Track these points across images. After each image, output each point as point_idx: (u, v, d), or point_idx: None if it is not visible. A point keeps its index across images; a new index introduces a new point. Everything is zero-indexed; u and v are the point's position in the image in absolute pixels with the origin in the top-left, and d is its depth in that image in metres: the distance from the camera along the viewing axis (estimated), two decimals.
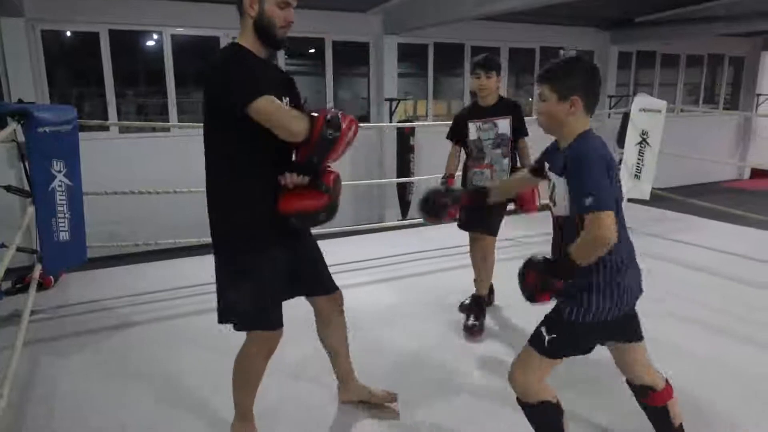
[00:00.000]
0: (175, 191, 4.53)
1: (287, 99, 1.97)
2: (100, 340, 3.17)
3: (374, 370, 2.69)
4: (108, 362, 2.91)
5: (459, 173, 3.48)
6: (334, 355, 2.39)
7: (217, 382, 2.65)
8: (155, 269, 4.40)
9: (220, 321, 2.02)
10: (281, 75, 2.06)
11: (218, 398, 2.52)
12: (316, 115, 1.82)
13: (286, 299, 2.09)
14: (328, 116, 1.81)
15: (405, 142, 6.98)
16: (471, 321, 3.20)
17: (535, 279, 1.71)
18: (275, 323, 2.03)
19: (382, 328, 3.31)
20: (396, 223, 6.21)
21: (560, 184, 1.78)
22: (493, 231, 3.23)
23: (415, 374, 2.78)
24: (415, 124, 6.85)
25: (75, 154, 3.16)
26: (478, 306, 3.28)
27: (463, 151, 3.37)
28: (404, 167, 7.01)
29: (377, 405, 2.46)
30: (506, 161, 3.22)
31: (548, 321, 1.81)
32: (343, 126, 1.81)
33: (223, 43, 6.30)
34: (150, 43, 6.25)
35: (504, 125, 3.18)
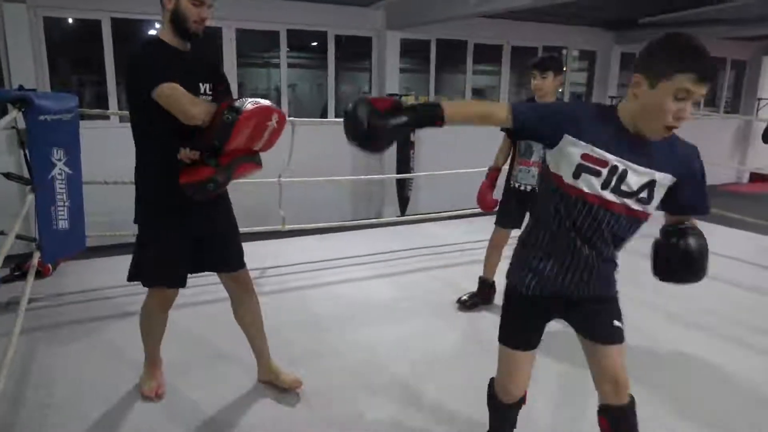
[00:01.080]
0: None
1: (207, 85, 2.22)
2: (98, 328, 3.17)
3: (364, 365, 2.70)
4: (105, 351, 2.91)
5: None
6: (248, 335, 2.55)
7: (212, 370, 2.68)
8: None
9: (129, 279, 2.37)
10: (200, 63, 2.27)
11: (214, 386, 2.54)
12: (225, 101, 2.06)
13: (190, 270, 2.37)
14: (234, 103, 2.00)
15: (405, 137, 6.96)
16: (464, 296, 3.59)
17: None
18: (172, 282, 2.33)
19: (379, 322, 3.32)
20: (394, 219, 6.21)
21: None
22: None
23: (412, 369, 2.79)
24: None
25: (75, 142, 3.16)
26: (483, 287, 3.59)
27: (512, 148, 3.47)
28: (404, 163, 7.00)
29: (282, 389, 2.57)
30: None
31: (616, 312, 1.71)
32: (245, 112, 1.96)
33: (226, 34, 6.28)
34: (152, 32, 6.22)
35: None
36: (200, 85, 2.20)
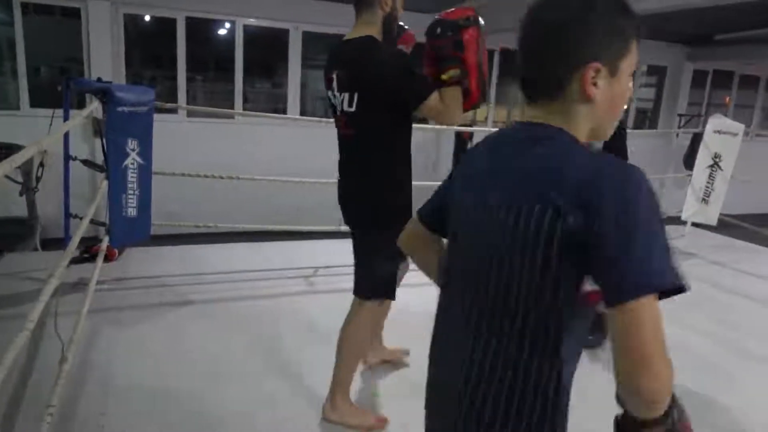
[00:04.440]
0: (239, 177, 4.60)
1: None
2: (157, 314, 3.28)
3: None
4: (162, 337, 3.01)
5: None
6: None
7: (262, 364, 2.72)
8: (213, 251, 4.51)
9: (369, 296, 2.20)
10: None
11: (262, 379, 2.58)
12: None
13: None
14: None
15: (462, 146, 6.93)
16: None
17: None
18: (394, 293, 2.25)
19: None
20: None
21: None
22: None
23: None
24: (473, 129, 6.78)
25: (148, 134, 3.27)
26: None
27: None
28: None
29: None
30: None
31: None
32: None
33: (293, 36, 6.41)
34: (222, 31, 6.43)
35: None
36: None
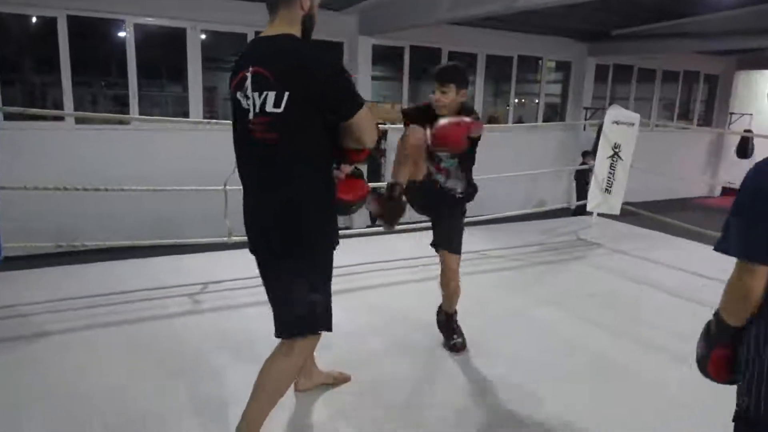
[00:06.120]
0: (99, 189, 4.01)
1: None
2: (6, 349, 2.80)
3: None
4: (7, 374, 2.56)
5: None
6: None
7: (131, 399, 2.42)
8: (75, 272, 3.92)
9: (303, 332, 1.89)
10: None
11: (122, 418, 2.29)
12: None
13: None
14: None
15: (376, 145, 6.81)
16: (454, 339, 2.91)
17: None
18: (330, 322, 1.97)
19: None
20: (364, 230, 6.03)
21: None
22: (455, 248, 2.84)
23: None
24: (386, 126, 6.68)
25: None
26: (451, 322, 2.97)
27: None
28: (375, 171, 6.85)
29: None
30: None
31: None
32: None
33: (191, 36, 6.07)
34: (112, 31, 5.97)
35: None
36: None
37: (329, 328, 1.93)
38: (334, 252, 1.94)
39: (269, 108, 1.72)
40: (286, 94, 1.70)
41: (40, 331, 2.99)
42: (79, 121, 5.76)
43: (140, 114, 5.95)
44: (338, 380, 2.52)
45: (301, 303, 1.84)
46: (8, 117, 5.32)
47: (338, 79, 1.75)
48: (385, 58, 7.62)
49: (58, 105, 5.71)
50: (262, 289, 1.96)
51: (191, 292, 3.57)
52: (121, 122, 6.01)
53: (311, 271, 1.86)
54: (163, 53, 6.49)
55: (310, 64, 1.72)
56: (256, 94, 1.74)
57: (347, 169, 1.93)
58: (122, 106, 6.18)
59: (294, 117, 1.72)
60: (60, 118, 5.67)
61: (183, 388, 2.47)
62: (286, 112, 1.71)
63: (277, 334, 1.89)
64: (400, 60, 7.49)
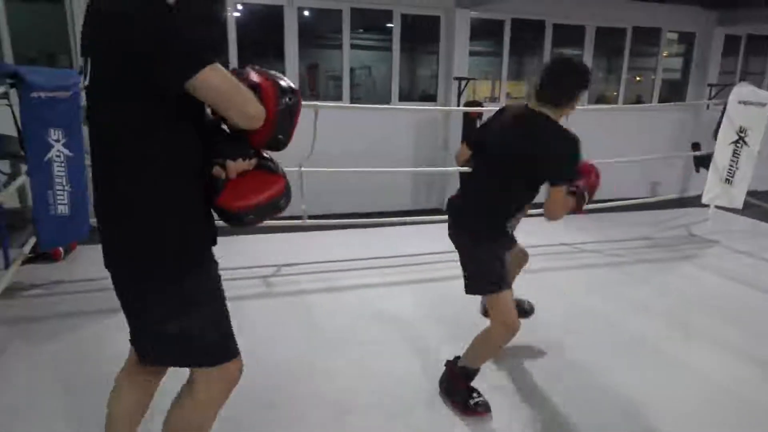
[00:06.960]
0: None
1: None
2: (80, 325, 2.94)
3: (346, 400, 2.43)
4: (82, 351, 2.70)
5: None
6: None
7: None
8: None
9: (179, 364, 1.54)
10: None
11: None
12: (256, 80, 1.41)
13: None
14: (275, 81, 1.43)
15: (470, 126, 6.55)
16: (474, 399, 2.44)
17: None
18: (236, 348, 1.57)
19: (383, 343, 3.04)
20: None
21: None
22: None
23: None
24: (478, 109, 6.40)
25: (77, 122, 2.95)
26: (469, 380, 2.50)
27: None
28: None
29: None
30: None
31: None
32: (297, 90, 1.46)
33: (288, 13, 6.12)
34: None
35: None
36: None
37: (227, 358, 1.55)
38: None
39: (84, 80, 1.44)
40: (89, 60, 1.38)
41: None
42: None
43: None
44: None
45: (175, 327, 1.50)
46: None
47: (152, 32, 1.27)
48: (485, 32, 7.27)
49: None
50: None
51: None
52: None
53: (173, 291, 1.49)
54: (262, 32, 6.62)
55: (118, 13, 1.28)
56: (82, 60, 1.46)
57: (238, 164, 1.46)
58: None
59: (99, 92, 1.39)
60: None
61: None
62: (92, 86, 1.40)
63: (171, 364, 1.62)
64: (500, 34, 7.12)
